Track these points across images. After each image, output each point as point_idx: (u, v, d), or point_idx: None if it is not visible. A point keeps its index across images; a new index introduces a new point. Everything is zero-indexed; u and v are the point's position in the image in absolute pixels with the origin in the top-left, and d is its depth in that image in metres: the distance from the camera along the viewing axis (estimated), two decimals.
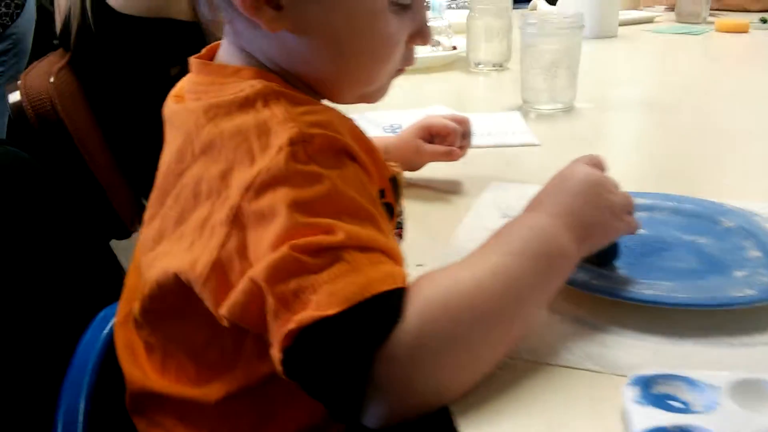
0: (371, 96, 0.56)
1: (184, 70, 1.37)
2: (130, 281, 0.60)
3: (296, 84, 0.51)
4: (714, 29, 1.97)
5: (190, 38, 1.27)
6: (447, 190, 0.80)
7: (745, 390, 0.41)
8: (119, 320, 0.59)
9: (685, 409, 0.40)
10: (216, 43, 0.56)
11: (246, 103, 0.47)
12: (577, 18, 1.09)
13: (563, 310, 0.51)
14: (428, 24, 0.54)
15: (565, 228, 0.49)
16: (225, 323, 0.44)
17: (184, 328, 0.51)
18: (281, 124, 0.45)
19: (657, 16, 2.24)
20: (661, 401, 0.41)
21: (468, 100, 1.36)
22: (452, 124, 0.78)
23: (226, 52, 0.54)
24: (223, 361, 0.50)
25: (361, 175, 0.47)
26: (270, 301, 0.41)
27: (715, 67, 1.62)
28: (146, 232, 0.52)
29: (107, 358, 0.60)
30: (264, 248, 0.42)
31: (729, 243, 0.60)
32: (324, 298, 0.40)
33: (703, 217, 0.65)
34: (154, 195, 0.52)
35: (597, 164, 0.55)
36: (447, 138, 0.78)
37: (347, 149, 0.47)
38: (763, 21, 2.00)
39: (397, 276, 0.43)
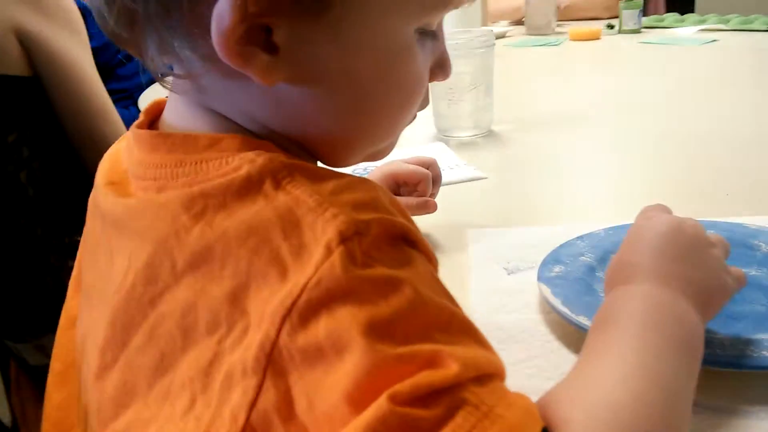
0: (382, 152, 0.42)
1: (22, 137, 1.13)
2: None
3: (290, 150, 0.36)
4: (568, 38, 2.02)
5: (26, 97, 1.05)
6: None
7: None
8: None
9: None
10: (157, 102, 0.39)
11: (248, 187, 0.31)
12: (488, 36, 1.01)
13: None
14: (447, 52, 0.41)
15: (686, 299, 0.38)
16: None
17: None
18: (316, 212, 0.30)
19: (507, 31, 2.27)
20: None
21: None
22: (421, 169, 0.65)
23: (184, 116, 0.37)
24: None
25: (428, 267, 0.33)
26: None
27: (598, 74, 1.63)
28: (99, 388, 0.34)
29: None
30: (333, 401, 0.27)
31: None
32: None
33: (734, 242, 0.57)
34: (105, 333, 0.34)
35: (666, 211, 0.45)
36: (418, 186, 0.65)
37: (406, 234, 0.32)
38: (610, 27, 2.08)
39: (532, 410, 0.29)
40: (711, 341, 0.43)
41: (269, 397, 0.28)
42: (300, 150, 0.37)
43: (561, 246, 0.58)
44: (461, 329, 0.30)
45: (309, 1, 0.32)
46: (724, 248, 0.44)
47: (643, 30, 2.04)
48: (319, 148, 0.38)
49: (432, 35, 0.39)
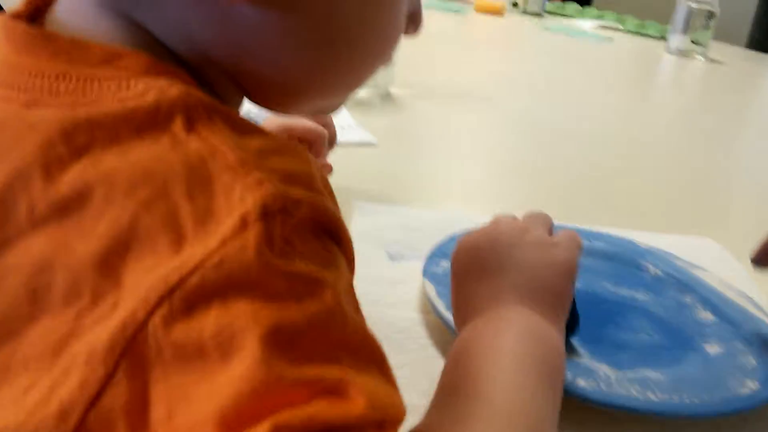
0: (329, 108, 0.36)
1: None
2: None
3: (218, 84, 0.29)
4: (473, 9, 1.98)
5: None
6: None
7: None
8: None
9: None
10: None
11: (153, 122, 0.24)
12: None
13: None
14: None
15: (531, 309, 0.36)
16: None
17: None
18: (236, 172, 0.23)
19: None
20: None
21: None
22: (319, 127, 0.58)
23: (84, 14, 0.28)
24: None
25: (349, 272, 0.27)
26: None
27: (499, 51, 1.61)
28: None
29: None
30: (200, 417, 0.21)
31: (669, 299, 0.51)
32: None
33: (623, 260, 0.55)
34: None
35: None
36: (313, 145, 0.58)
37: (336, 226, 0.26)
38: (515, 5, 2.06)
39: None
40: (597, 374, 0.41)
41: (118, 394, 0.21)
42: (232, 87, 0.30)
43: (450, 239, 0.54)
44: (371, 356, 0.25)
45: None
46: (543, 221, 0.43)
47: (545, 14, 2.04)
48: (260, 88, 0.31)
49: None
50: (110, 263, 0.22)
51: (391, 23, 0.32)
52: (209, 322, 0.21)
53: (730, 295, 0.51)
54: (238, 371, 0.21)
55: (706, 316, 0.49)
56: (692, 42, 1.67)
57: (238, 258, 0.22)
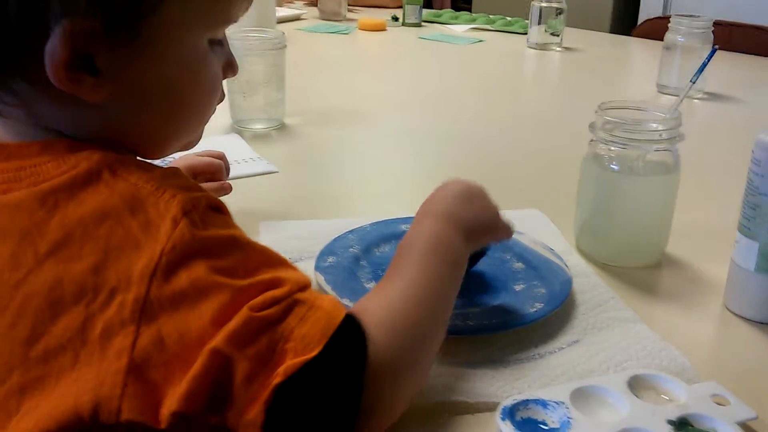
0: (192, 143, 0.52)
1: None
2: None
3: (113, 150, 0.45)
4: (357, 27, 2.17)
5: None
6: None
7: (582, 398, 0.50)
8: None
9: (551, 430, 0.48)
10: None
11: (91, 178, 0.40)
12: (279, 38, 1.11)
13: None
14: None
15: (458, 231, 0.54)
16: (163, 424, 0.38)
17: None
18: (155, 194, 0.40)
19: (302, 13, 2.37)
20: (532, 426, 0.48)
21: None
22: (216, 160, 0.76)
23: (15, 132, 0.44)
24: None
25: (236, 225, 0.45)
26: (242, 367, 0.38)
27: (382, 67, 1.80)
28: None
29: None
30: (202, 327, 0.38)
31: (495, 258, 0.70)
32: (299, 343, 0.39)
33: None
34: None
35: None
36: (214, 175, 0.76)
37: (219, 205, 0.44)
38: (395, 19, 2.26)
39: (338, 302, 0.43)
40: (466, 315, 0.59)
41: (146, 338, 0.38)
42: (121, 149, 0.46)
43: (334, 239, 0.72)
44: (278, 262, 0.44)
45: (120, 32, 0.41)
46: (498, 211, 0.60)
47: (423, 24, 2.25)
48: (139, 146, 0.47)
49: (219, 42, 0.50)
50: (100, 270, 0.39)
51: (210, 81, 0.48)
52: (183, 279, 0.38)
53: (538, 249, 0.71)
54: (214, 295, 0.38)
55: (519, 266, 0.69)
56: (551, 34, 1.91)
57: (181, 240, 0.39)
